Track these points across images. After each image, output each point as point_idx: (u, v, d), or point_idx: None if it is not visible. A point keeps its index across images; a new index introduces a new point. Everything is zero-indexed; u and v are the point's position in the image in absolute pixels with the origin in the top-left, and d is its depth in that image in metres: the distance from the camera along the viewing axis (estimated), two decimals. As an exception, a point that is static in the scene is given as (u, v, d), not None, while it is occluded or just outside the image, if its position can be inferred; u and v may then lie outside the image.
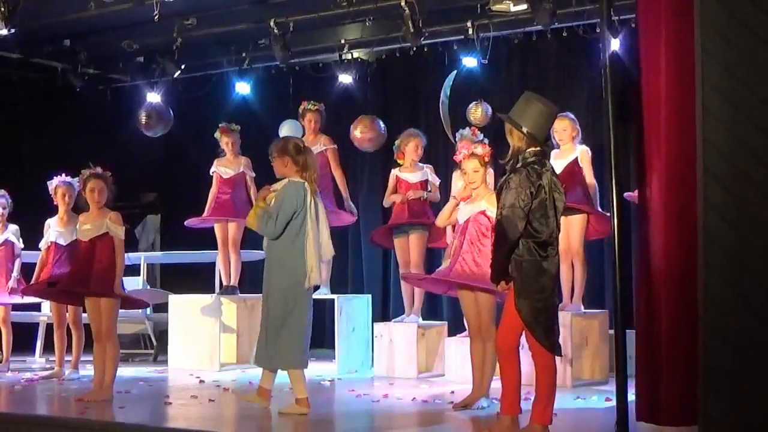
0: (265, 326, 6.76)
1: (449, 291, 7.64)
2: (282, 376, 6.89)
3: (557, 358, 5.68)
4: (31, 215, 10.17)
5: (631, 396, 5.62)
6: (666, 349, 5.47)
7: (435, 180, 9.30)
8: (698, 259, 4.99)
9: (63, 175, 9.16)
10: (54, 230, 9.24)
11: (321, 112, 9.82)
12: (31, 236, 9.91)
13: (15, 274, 9.81)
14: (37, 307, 10.96)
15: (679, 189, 5.41)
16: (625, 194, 6.42)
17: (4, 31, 9.96)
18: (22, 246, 9.96)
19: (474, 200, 7.11)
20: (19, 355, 10.62)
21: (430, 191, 9.24)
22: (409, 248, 9.24)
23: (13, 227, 9.95)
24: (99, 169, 7.71)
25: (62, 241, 9.18)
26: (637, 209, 6.01)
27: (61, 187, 9.13)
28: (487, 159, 7.01)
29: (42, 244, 9.32)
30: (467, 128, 8.73)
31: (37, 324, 11.19)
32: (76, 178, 8.47)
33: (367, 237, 10.55)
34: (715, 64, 4.97)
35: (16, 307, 10.21)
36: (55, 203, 9.21)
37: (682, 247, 5.37)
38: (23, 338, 10.77)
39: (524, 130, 5.65)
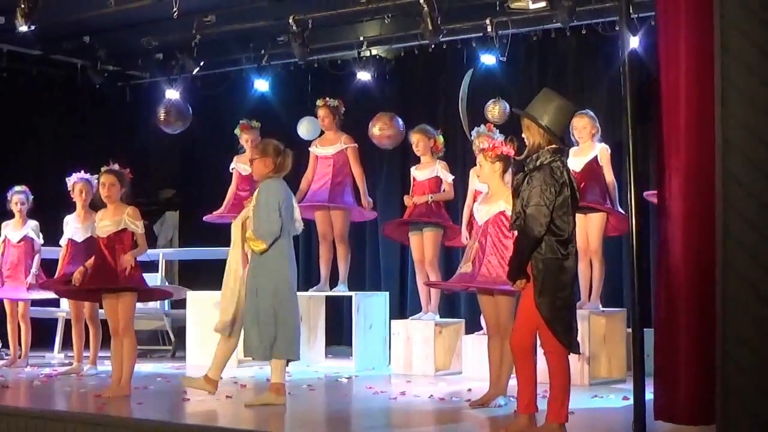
0: (257, 321, 6.92)
1: (469, 288, 7.62)
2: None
3: (574, 357, 5.66)
4: (50, 211, 10.22)
5: (649, 395, 5.60)
6: (684, 347, 5.44)
7: (447, 177, 9.23)
8: (717, 257, 4.97)
9: (81, 171, 9.20)
10: (71, 227, 9.29)
11: (330, 107, 9.77)
12: (51, 232, 9.97)
13: (34, 270, 9.86)
14: (55, 303, 11.01)
15: (699, 188, 5.38)
16: (645, 194, 6.41)
17: (25, 28, 10.02)
18: (41, 242, 10.02)
19: (491, 200, 7.08)
20: (37, 350, 10.68)
21: (443, 190, 9.21)
22: (423, 245, 9.24)
23: (33, 223, 10.00)
24: (116, 166, 7.73)
25: (78, 238, 9.24)
26: (656, 208, 5.99)
27: (79, 184, 9.17)
28: (492, 155, 6.94)
29: (62, 241, 9.38)
30: (482, 125, 8.71)
31: (56, 320, 11.24)
32: (95, 175, 8.52)
33: (382, 234, 10.56)
34: (735, 62, 4.94)
35: (35, 303, 10.27)
36: (73, 200, 9.25)
37: (701, 245, 5.34)
38: (42, 334, 10.82)
39: (543, 124, 5.63)
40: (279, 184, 7.08)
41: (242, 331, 7.12)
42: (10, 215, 10.00)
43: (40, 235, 10.01)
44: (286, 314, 6.95)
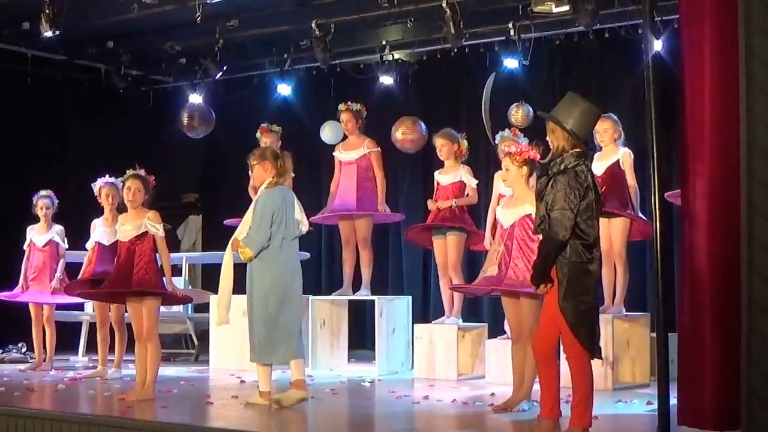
0: (264, 324, 7.08)
1: (492, 292, 7.59)
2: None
3: (598, 361, 5.64)
4: (75, 216, 10.28)
5: (673, 400, 5.58)
6: (709, 352, 5.41)
7: (471, 182, 9.18)
8: (742, 261, 4.94)
9: (107, 176, 9.25)
10: (99, 230, 9.35)
11: (353, 112, 9.77)
12: (76, 237, 10.01)
13: (59, 274, 9.91)
14: (80, 307, 11.07)
15: (723, 191, 5.36)
16: (666, 194, 6.38)
17: (50, 33, 10.09)
18: (66, 246, 10.06)
19: (516, 203, 7.06)
20: (62, 354, 10.74)
21: (467, 194, 9.19)
22: (446, 249, 9.23)
23: (58, 227, 10.05)
24: (141, 171, 7.77)
25: (105, 241, 9.28)
26: (679, 211, 5.97)
27: (105, 188, 9.20)
28: (520, 159, 6.93)
29: (88, 244, 9.42)
30: (507, 130, 8.69)
31: (80, 323, 11.29)
32: (120, 179, 8.56)
33: (405, 238, 10.55)
34: (760, 64, 4.91)
35: (60, 307, 10.32)
36: (100, 204, 9.30)
37: (726, 250, 5.31)
38: (66, 337, 10.87)
39: (568, 128, 5.62)
40: (277, 193, 7.19)
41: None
42: (35, 219, 10.05)
43: (65, 240, 10.06)
44: (284, 317, 7.08)
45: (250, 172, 7.63)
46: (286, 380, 7.46)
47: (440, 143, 9.21)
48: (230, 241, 7.24)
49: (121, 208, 8.60)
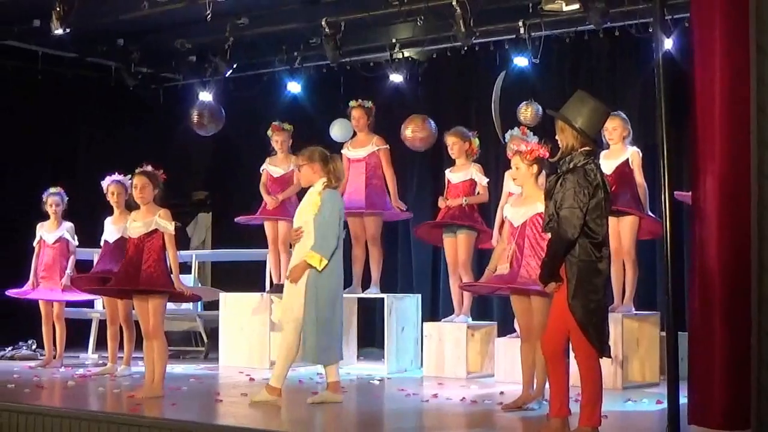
0: (307, 326, 7.01)
1: (498, 291, 7.59)
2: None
3: (607, 360, 5.63)
4: (85, 213, 10.29)
5: (683, 399, 5.57)
6: (719, 351, 5.41)
7: (482, 180, 9.17)
8: (752, 260, 4.93)
9: (116, 173, 9.27)
10: (107, 227, 9.39)
11: (365, 108, 9.78)
12: (86, 234, 10.04)
13: (69, 271, 9.92)
14: (90, 304, 11.09)
15: (733, 190, 5.35)
16: (675, 193, 6.37)
17: (60, 31, 10.12)
18: (76, 243, 10.09)
19: (527, 201, 7.05)
20: (72, 351, 10.76)
21: (478, 192, 9.19)
22: (456, 248, 9.22)
23: (68, 224, 10.07)
24: (149, 167, 7.78)
25: (110, 238, 9.35)
26: (689, 210, 5.95)
27: (111, 186, 9.23)
28: (530, 158, 6.93)
29: (102, 242, 9.50)
30: (516, 128, 8.68)
31: (90, 320, 11.31)
32: (128, 176, 8.60)
33: (415, 235, 10.55)
34: (771, 63, 4.90)
35: (70, 304, 10.34)
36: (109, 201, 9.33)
37: (736, 248, 5.31)
38: (76, 334, 10.88)
39: (577, 126, 5.61)
40: (338, 197, 7.20)
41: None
42: (46, 217, 10.07)
43: (75, 237, 10.08)
44: (324, 320, 7.01)
45: (296, 171, 7.55)
46: (294, 379, 7.46)
47: (452, 141, 9.19)
48: (295, 267, 7.09)
49: (129, 206, 8.63)
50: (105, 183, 9.27)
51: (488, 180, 9.25)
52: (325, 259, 6.95)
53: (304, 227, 7.08)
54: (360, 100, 9.82)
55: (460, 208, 9.12)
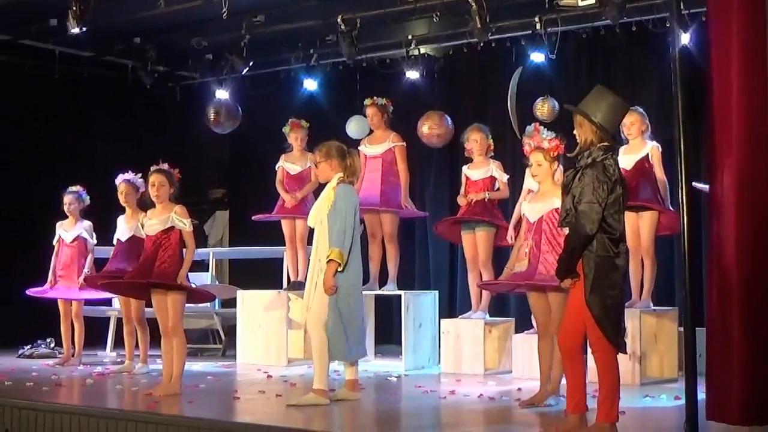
0: (350, 323, 7.03)
1: (516, 289, 7.56)
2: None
3: (625, 356, 5.61)
4: (103, 211, 10.32)
5: (701, 395, 5.54)
6: (738, 347, 5.38)
7: (502, 177, 9.16)
8: (770, 256, 4.91)
9: (129, 172, 9.30)
10: (119, 226, 9.46)
11: (379, 106, 9.76)
12: (104, 232, 10.07)
13: (86, 269, 9.96)
14: (108, 302, 11.13)
15: (751, 185, 5.33)
16: (694, 183, 6.34)
17: (77, 30, 10.15)
18: (94, 242, 10.12)
19: (544, 197, 7.03)
20: (90, 349, 10.80)
21: (498, 189, 9.17)
22: (476, 244, 9.21)
23: (86, 223, 10.10)
24: (165, 165, 7.80)
25: (122, 237, 9.42)
26: (707, 205, 5.93)
27: (121, 185, 9.29)
28: (553, 154, 6.93)
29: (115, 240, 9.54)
30: (531, 124, 8.65)
31: (108, 318, 11.35)
32: (139, 174, 8.65)
33: (434, 232, 10.53)
34: (788, 57, 4.88)
35: (88, 302, 10.38)
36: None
37: (754, 243, 5.28)
38: (95, 332, 10.93)
39: (596, 121, 5.60)
40: (352, 192, 7.15)
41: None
42: (65, 215, 10.11)
43: (93, 235, 10.11)
44: (348, 316, 7.00)
45: (314, 167, 7.52)
46: (309, 377, 7.46)
47: (476, 137, 9.16)
48: (325, 279, 6.95)
49: (143, 204, 8.66)
50: (117, 181, 9.32)
51: (509, 176, 9.24)
52: (344, 250, 6.93)
53: (319, 224, 7.08)
54: (374, 98, 9.81)
55: (482, 203, 9.10)
